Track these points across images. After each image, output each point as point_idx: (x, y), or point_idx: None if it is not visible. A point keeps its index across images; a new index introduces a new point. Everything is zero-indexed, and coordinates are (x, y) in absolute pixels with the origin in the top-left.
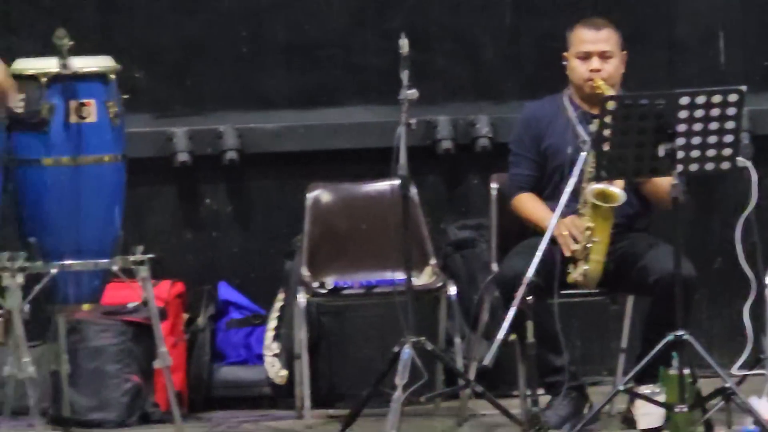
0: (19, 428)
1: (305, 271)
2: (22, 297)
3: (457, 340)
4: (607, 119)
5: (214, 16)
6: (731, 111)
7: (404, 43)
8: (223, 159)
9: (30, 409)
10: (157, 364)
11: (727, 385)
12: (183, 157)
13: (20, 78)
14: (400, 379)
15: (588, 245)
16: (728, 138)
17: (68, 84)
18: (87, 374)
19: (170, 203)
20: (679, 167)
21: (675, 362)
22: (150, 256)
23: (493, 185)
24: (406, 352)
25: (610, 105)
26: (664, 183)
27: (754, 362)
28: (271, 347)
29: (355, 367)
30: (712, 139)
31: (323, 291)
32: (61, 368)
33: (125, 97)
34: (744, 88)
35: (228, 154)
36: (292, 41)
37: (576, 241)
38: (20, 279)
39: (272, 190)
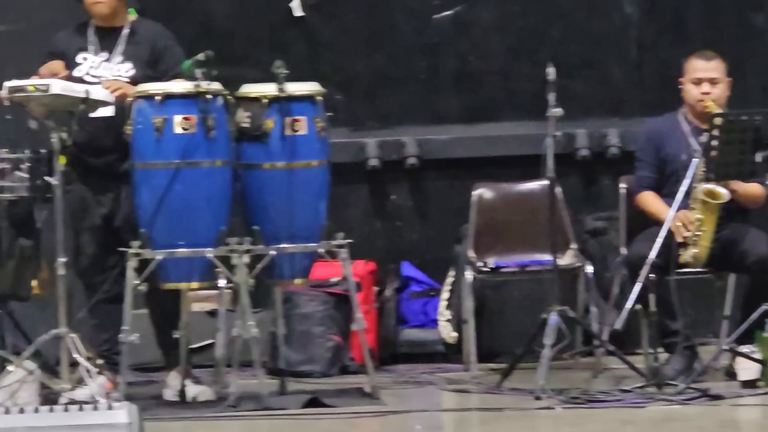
0: (245, 378)
1: (471, 253)
2: (248, 273)
3: (593, 309)
4: (715, 132)
5: (398, 49)
6: None
7: (551, 71)
8: (405, 164)
9: (253, 363)
10: (354, 327)
11: None
12: (373, 162)
13: (246, 99)
14: (548, 339)
15: (697, 233)
16: None
17: (284, 104)
18: (298, 335)
19: (363, 199)
20: None
21: None
22: (348, 241)
23: (622, 185)
24: (553, 318)
25: (717, 121)
26: (752, 188)
27: None
28: (443, 314)
29: (511, 330)
30: None
31: (486, 269)
32: (278, 330)
33: (329, 114)
34: None
35: (409, 160)
36: (460, 69)
37: (688, 230)
38: (246, 259)
39: (444, 189)
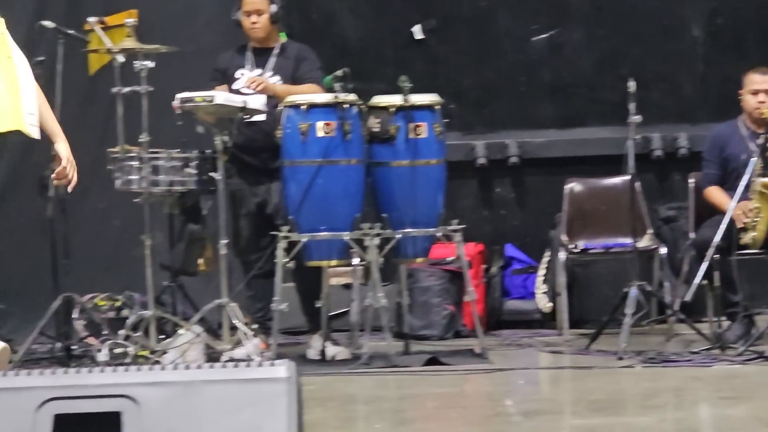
0: (375, 340)
1: (564, 237)
2: (378, 253)
3: (666, 284)
4: None
5: (502, 66)
6: None
7: (632, 84)
8: (508, 162)
9: (382, 328)
10: (466, 298)
11: None
12: (481, 161)
13: (376, 108)
14: (629, 309)
15: (755, 220)
16: None
17: (408, 112)
18: (419, 305)
19: (473, 192)
20: None
21: None
22: (461, 226)
23: (691, 180)
24: (633, 291)
25: None
26: None
27: None
28: (540, 287)
29: (598, 301)
30: None
31: (576, 250)
32: (403, 300)
33: (445, 120)
34: None
35: (511, 159)
36: (554, 82)
37: (747, 217)
38: (376, 241)
39: (541, 183)
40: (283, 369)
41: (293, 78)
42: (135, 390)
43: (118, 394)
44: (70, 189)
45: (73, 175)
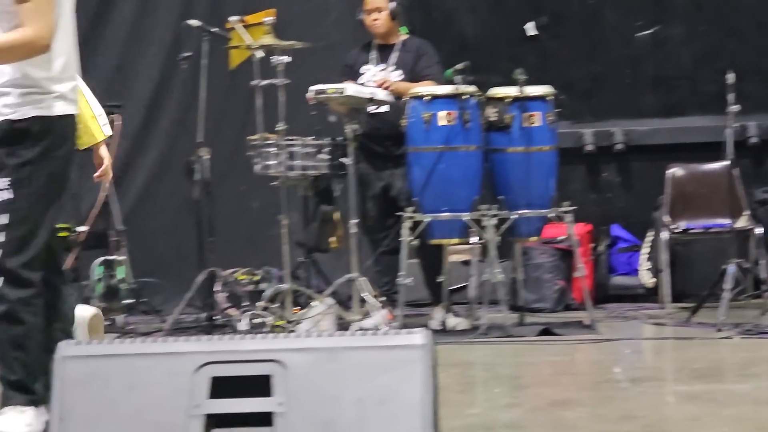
0: (492, 312)
1: (666, 218)
2: (495, 232)
3: (762, 262)
4: None
5: (609, 59)
6: None
7: (730, 76)
8: (614, 149)
9: (499, 301)
10: (575, 274)
11: None
12: (589, 147)
13: (493, 99)
14: (727, 285)
15: None
16: None
17: (523, 102)
18: (532, 280)
19: (581, 176)
20: None
21: None
22: (572, 208)
23: None
24: (731, 268)
25: None
26: None
27: None
28: (644, 264)
29: (698, 277)
30: None
31: (678, 231)
32: (517, 276)
33: (556, 110)
34: None
35: (617, 146)
36: (657, 75)
37: None
38: (493, 221)
39: (644, 168)
40: (419, 336)
41: (413, 71)
42: (283, 355)
43: (268, 359)
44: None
45: (110, 173)
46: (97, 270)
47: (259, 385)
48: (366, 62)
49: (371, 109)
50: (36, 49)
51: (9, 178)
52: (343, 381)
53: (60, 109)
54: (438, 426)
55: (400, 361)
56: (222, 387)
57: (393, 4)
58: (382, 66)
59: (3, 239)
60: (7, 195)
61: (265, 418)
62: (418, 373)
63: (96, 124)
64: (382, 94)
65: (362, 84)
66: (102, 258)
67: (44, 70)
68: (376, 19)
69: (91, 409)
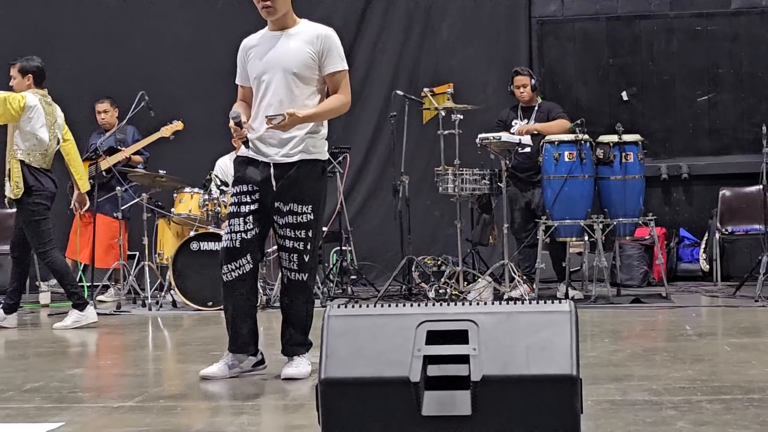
0: (599, 287)
1: (718, 224)
2: (602, 233)
3: None
4: None
5: (678, 116)
6: None
7: (764, 128)
8: (681, 177)
9: (603, 279)
10: (656, 262)
11: None
12: (664, 176)
13: (601, 143)
14: (762, 269)
15: None
16: None
17: (621, 146)
18: (625, 265)
19: (659, 196)
20: None
21: None
22: (653, 217)
23: None
24: (765, 258)
25: None
26: None
27: None
28: (702, 256)
29: (740, 264)
30: None
31: (726, 233)
32: (616, 262)
33: (644, 151)
34: None
35: (683, 175)
36: (712, 126)
37: None
38: (601, 226)
39: (703, 190)
40: (567, 305)
41: (549, 119)
42: (476, 317)
43: (466, 318)
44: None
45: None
46: (333, 256)
47: (459, 337)
48: (515, 118)
49: (518, 149)
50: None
51: None
52: (516, 334)
53: None
54: (579, 365)
55: (555, 321)
56: (434, 337)
57: (534, 81)
58: (525, 121)
59: None
60: None
61: (463, 359)
62: (566, 330)
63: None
64: (525, 140)
65: (512, 133)
66: (336, 248)
67: None
68: (522, 92)
69: (347, 351)
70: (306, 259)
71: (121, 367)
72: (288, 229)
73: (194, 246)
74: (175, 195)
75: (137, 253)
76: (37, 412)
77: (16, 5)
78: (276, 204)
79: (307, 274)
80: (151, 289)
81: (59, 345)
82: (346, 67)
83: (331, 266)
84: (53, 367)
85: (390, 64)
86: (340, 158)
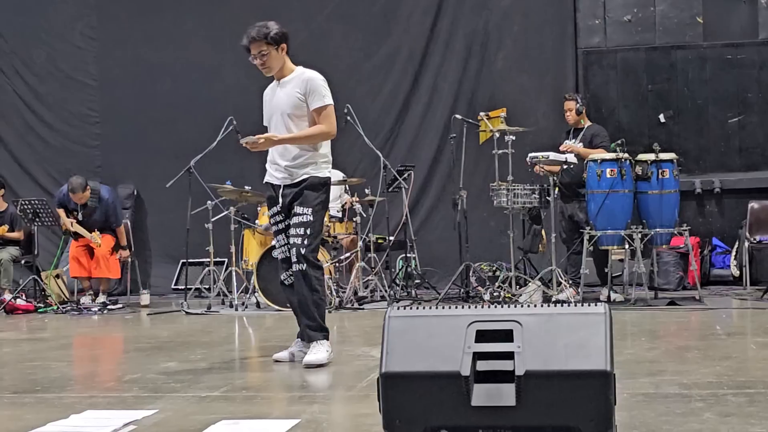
0: (638, 291)
1: (747, 234)
2: (640, 241)
3: None
4: None
5: (710, 136)
6: None
7: None
8: (714, 191)
9: (642, 283)
10: (691, 268)
11: None
12: (698, 190)
13: (639, 161)
14: None
15: None
16: None
17: (658, 163)
18: (662, 271)
19: (693, 208)
20: None
21: None
22: (688, 227)
23: None
24: None
25: None
26: None
27: None
28: (733, 262)
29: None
30: None
31: (755, 241)
32: (654, 268)
33: (679, 168)
34: None
35: (716, 189)
36: (742, 145)
37: None
38: (640, 235)
39: (733, 203)
40: (602, 307)
41: (591, 143)
42: (520, 318)
43: (511, 319)
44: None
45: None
46: (399, 263)
47: (505, 336)
48: (566, 139)
49: (566, 167)
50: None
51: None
52: (556, 333)
53: None
54: (613, 361)
55: (592, 322)
56: (483, 336)
57: (579, 105)
58: (573, 141)
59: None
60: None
61: (509, 355)
62: (602, 330)
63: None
64: (571, 158)
65: (560, 152)
66: (402, 255)
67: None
68: (568, 114)
69: (405, 348)
70: (303, 252)
71: (210, 361)
72: (291, 229)
73: (276, 253)
74: (258, 208)
75: (225, 259)
76: (135, 401)
77: (125, 43)
78: (290, 212)
79: (305, 264)
80: (237, 292)
81: (156, 341)
82: (327, 103)
83: (397, 271)
84: (150, 360)
85: (450, 91)
86: (405, 175)
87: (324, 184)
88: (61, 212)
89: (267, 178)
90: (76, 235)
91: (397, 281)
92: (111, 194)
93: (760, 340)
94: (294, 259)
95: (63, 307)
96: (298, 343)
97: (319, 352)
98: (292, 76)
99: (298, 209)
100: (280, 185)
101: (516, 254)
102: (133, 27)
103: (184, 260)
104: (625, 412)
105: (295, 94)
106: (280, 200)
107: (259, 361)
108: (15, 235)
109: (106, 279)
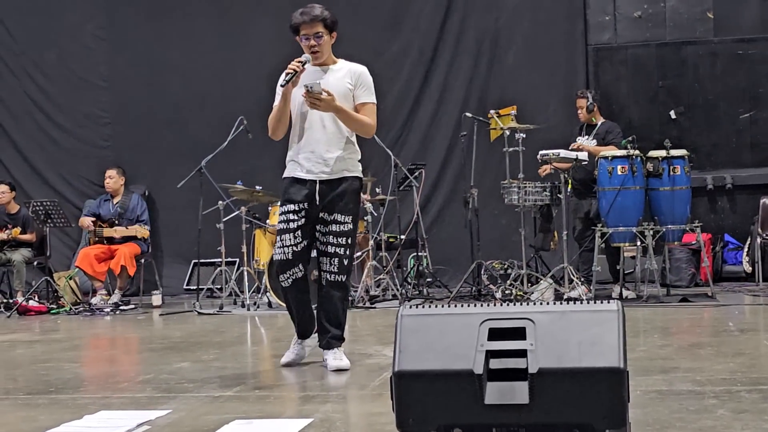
0: (650, 287)
1: (759, 230)
2: (652, 238)
3: None
4: None
5: (722, 132)
6: None
7: None
8: (725, 187)
9: (654, 280)
10: (703, 264)
11: None
12: (710, 186)
13: (650, 157)
14: None
15: None
16: None
17: (669, 160)
18: (675, 267)
19: (705, 204)
20: None
21: None
22: (700, 224)
23: None
24: None
25: None
26: None
27: None
28: (745, 258)
29: None
30: None
31: (767, 237)
32: (666, 265)
33: (690, 164)
34: None
35: (727, 185)
36: (753, 141)
37: None
38: (651, 232)
39: (745, 199)
40: (615, 304)
41: (604, 140)
42: (533, 315)
43: (524, 317)
44: None
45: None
46: (411, 261)
47: (518, 333)
48: (577, 135)
49: (577, 164)
50: None
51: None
52: (569, 331)
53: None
54: (626, 359)
55: (604, 319)
56: (495, 334)
57: (589, 103)
58: (585, 137)
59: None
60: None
61: (521, 353)
62: (614, 327)
63: None
64: (582, 155)
65: (571, 149)
66: (414, 254)
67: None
68: (580, 112)
69: (418, 346)
70: (345, 263)
71: (222, 361)
72: (331, 237)
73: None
74: (269, 208)
75: (237, 259)
76: (148, 401)
77: (135, 44)
78: (321, 215)
79: (345, 276)
80: (249, 292)
81: (169, 341)
82: (375, 101)
83: (409, 270)
84: (163, 360)
85: (461, 88)
86: (416, 173)
87: (359, 192)
88: (86, 220)
89: (294, 173)
90: (102, 240)
91: (409, 280)
92: (140, 201)
93: None
94: (335, 269)
95: (75, 308)
96: (298, 343)
97: (343, 356)
98: (340, 66)
99: (339, 217)
100: (315, 180)
101: (527, 252)
102: (143, 27)
103: (196, 260)
104: (639, 409)
105: (345, 84)
106: (317, 198)
107: (272, 361)
108: (27, 236)
109: (126, 275)
